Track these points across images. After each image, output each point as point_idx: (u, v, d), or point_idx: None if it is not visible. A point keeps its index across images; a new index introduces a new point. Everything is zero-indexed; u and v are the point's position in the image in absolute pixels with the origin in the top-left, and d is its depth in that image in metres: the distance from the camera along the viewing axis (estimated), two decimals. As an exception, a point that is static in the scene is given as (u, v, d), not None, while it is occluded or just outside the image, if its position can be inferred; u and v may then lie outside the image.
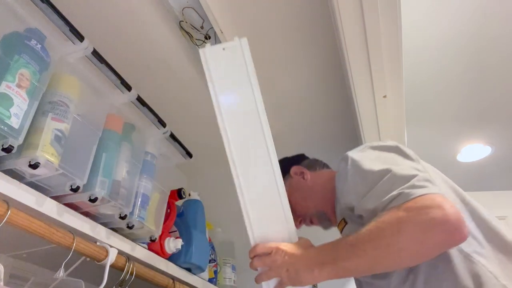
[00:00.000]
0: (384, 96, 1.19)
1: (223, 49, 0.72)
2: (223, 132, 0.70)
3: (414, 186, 0.68)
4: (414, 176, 0.69)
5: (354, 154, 0.83)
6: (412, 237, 0.64)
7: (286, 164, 1.05)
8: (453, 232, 0.63)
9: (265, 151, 0.71)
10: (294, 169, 1.05)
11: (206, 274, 1.26)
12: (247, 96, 0.69)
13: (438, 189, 0.68)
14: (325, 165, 1.10)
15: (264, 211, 0.74)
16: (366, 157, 0.80)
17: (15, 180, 0.62)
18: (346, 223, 0.87)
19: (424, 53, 1.73)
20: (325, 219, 1.01)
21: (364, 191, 0.74)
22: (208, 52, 0.69)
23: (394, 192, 0.68)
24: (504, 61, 1.79)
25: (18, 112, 0.61)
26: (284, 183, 0.96)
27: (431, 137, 2.28)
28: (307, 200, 1.01)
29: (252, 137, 0.71)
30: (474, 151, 2.42)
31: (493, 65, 1.80)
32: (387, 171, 0.72)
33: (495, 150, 2.40)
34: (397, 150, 0.82)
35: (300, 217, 1.02)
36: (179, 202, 1.21)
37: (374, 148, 0.85)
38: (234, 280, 1.48)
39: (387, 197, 0.69)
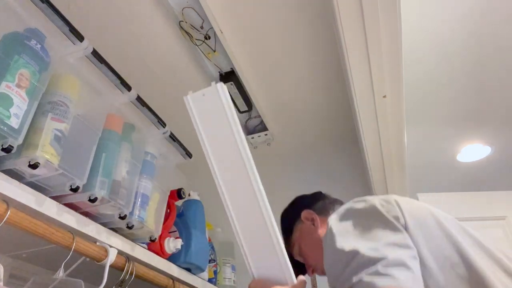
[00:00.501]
0: (384, 96, 1.19)
1: (203, 95, 0.76)
2: (213, 175, 0.74)
3: (377, 273, 0.58)
4: (381, 259, 0.59)
5: (334, 223, 0.74)
6: None
7: (299, 207, 1.02)
8: None
9: (251, 192, 0.73)
10: (304, 214, 1.00)
11: (205, 274, 1.26)
12: (229, 137, 0.73)
13: (407, 276, 0.58)
14: (325, 198, 1.04)
15: (257, 247, 0.73)
16: (342, 231, 0.71)
17: (14, 180, 0.62)
18: None
19: (424, 53, 1.73)
20: None
21: (336, 273, 0.66)
22: (190, 99, 0.75)
23: (354, 279, 0.59)
24: (504, 61, 1.79)
25: (18, 112, 0.61)
26: (295, 228, 0.97)
27: (431, 137, 2.28)
28: (317, 249, 0.91)
29: (239, 181, 0.74)
30: (473, 151, 2.42)
31: (493, 65, 1.81)
32: (355, 253, 0.63)
33: (494, 150, 2.41)
34: (378, 217, 0.69)
35: (311, 266, 0.98)
36: (179, 202, 1.21)
37: (355, 213, 0.74)
38: (234, 280, 1.48)
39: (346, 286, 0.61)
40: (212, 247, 1.41)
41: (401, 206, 0.69)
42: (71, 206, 0.74)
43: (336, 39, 1.05)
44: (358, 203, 0.75)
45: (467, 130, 2.24)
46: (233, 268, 1.51)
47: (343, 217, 0.74)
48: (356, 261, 0.62)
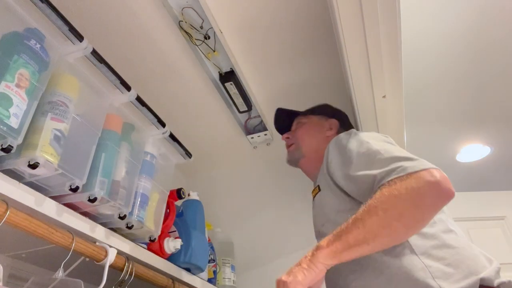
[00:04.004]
0: (384, 96, 1.19)
1: None
2: None
3: (411, 159, 0.76)
4: (413, 157, 0.77)
5: (357, 132, 0.94)
6: (409, 202, 0.70)
7: (336, 113, 1.21)
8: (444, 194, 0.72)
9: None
10: (333, 122, 1.18)
11: (205, 274, 1.26)
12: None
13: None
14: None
15: None
16: (368, 136, 0.90)
17: (14, 180, 0.62)
18: (319, 190, 0.97)
19: (423, 53, 1.73)
20: (296, 160, 1.16)
21: (365, 162, 0.82)
22: None
23: (393, 165, 0.75)
24: (504, 61, 1.79)
25: (18, 112, 0.61)
26: (318, 117, 1.20)
27: (431, 137, 2.28)
28: (312, 137, 1.15)
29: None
30: (473, 151, 2.42)
31: (493, 65, 1.81)
32: (386, 150, 0.81)
33: (494, 150, 2.41)
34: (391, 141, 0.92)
35: (293, 143, 1.18)
36: (179, 202, 1.21)
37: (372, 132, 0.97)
38: (233, 280, 1.48)
39: (388, 168, 0.75)
40: (212, 247, 1.41)
41: None
42: (71, 206, 0.74)
43: (336, 40, 1.05)
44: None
45: (467, 130, 2.25)
46: (233, 268, 1.51)
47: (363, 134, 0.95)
48: (386, 153, 0.80)
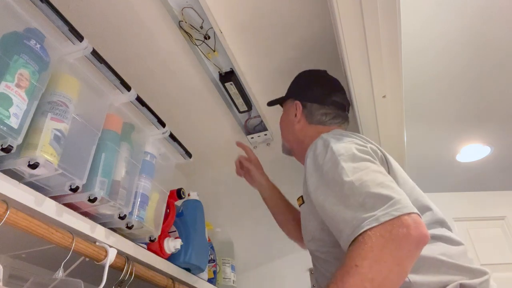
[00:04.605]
0: (384, 96, 1.19)
1: None
2: None
3: (384, 199, 0.69)
4: (390, 198, 0.69)
5: (334, 145, 0.83)
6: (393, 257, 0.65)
7: (297, 90, 1.13)
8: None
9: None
10: (296, 103, 1.09)
11: (205, 274, 1.26)
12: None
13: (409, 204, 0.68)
14: (331, 119, 1.07)
15: None
16: (344, 157, 0.80)
17: (14, 180, 0.62)
18: (303, 201, 0.92)
19: (423, 53, 1.73)
20: (288, 151, 1.15)
21: (335, 194, 0.75)
22: None
23: (364, 214, 0.68)
24: (503, 61, 1.79)
25: (17, 112, 0.61)
26: (287, 100, 1.15)
27: (431, 137, 2.28)
28: (285, 131, 1.13)
29: None
30: (473, 151, 2.42)
31: (492, 65, 1.81)
32: (360, 181, 0.73)
33: (494, 150, 2.41)
34: (371, 154, 0.83)
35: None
36: (179, 202, 1.21)
37: (352, 144, 0.84)
38: (233, 280, 1.48)
39: (359, 215, 0.68)
40: (212, 247, 1.41)
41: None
42: (71, 206, 0.74)
43: (336, 40, 1.05)
44: (356, 138, 0.89)
45: (467, 130, 2.24)
46: (233, 268, 1.51)
47: (343, 141, 0.86)
48: (360, 190, 0.73)
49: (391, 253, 0.63)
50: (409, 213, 0.65)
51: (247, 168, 1.28)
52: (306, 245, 0.94)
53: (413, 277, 0.71)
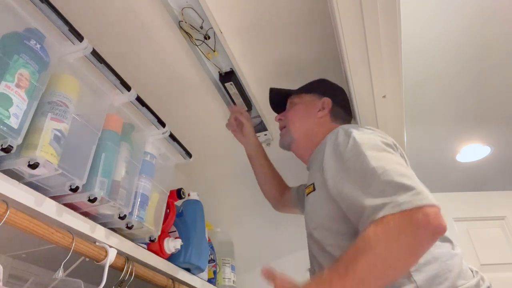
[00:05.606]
0: (384, 96, 1.19)
1: None
2: None
3: (406, 189, 0.70)
4: (412, 188, 0.70)
5: (357, 135, 0.85)
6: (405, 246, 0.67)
7: (326, 90, 1.15)
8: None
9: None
10: (325, 100, 1.11)
11: (205, 274, 1.26)
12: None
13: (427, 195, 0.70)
14: (346, 120, 1.15)
15: None
16: (367, 145, 0.82)
17: (14, 180, 0.62)
18: (314, 189, 0.93)
19: (423, 53, 1.73)
20: (288, 144, 1.13)
21: (356, 181, 0.77)
22: None
23: (386, 199, 0.70)
24: (503, 61, 1.79)
25: (17, 112, 0.61)
26: (308, 94, 1.15)
27: (431, 138, 2.28)
28: (299, 120, 1.11)
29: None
30: (473, 151, 2.42)
31: (492, 65, 1.81)
32: (383, 170, 0.75)
33: (494, 150, 2.41)
34: (392, 147, 0.86)
35: (283, 124, 1.16)
36: (179, 202, 1.21)
37: (375, 135, 0.88)
38: (233, 281, 1.48)
39: (381, 200, 0.70)
40: (212, 247, 1.41)
41: None
42: (71, 206, 0.74)
43: (336, 40, 1.05)
44: (378, 134, 0.91)
45: (467, 130, 2.24)
46: (233, 268, 1.51)
47: (366, 133, 0.89)
48: (384, 177, 0.74)
49: (407, 238, 0.66)
50: (431, 205, 0.67)
51: (240, 121, 1.29)
52: (310, 235, 0.94)
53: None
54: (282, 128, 1.18)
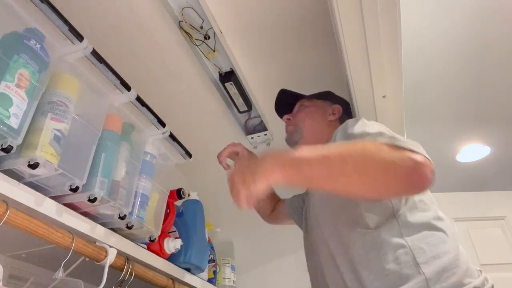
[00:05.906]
0: (384, 96, 1.19)
1: None
2: None
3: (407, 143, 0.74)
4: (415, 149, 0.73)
5: (366, 120, 0.92)
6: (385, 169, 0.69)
7: (337, 100, 1.20)
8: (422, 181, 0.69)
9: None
10: (336, 107, 1.16)
11: (205, 274, 1.26)
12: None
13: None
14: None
15: None
16: (375, 123, 0.90)
17: (14, 180, 0.62)
18: None
19: (423, 53, 1.73)
20: (296, 140, 1.13)
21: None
22: None
23: (390, 139, 0.74)
24: (503, 61, 1.79)
25: (17, 112, 0.61)
26: (320, 100, 1.20)
27: (431, 138, 2.28)
28: (312, 120, 1.14)
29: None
30: (473, 151, 2.42)
31: (492, 65, 1.81)
32: (389, 132, 0.82)
33: (494, 150, 2.41)
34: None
35: (292, 124, 1.17)
36: (179, 202, 1.21)
37: (382, 127, 0.93)
38: (233, 281, 1.48)
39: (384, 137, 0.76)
40: (212, 247, 1.41)
41: None
42: (71, 206, 0.74)
43: (336, 40, 1.05)
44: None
45: (467, 130, 2.24)
46: (233, 268, 1.51)
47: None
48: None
49: (393, 167, 0.68)
50: (430, 161, 0.69)
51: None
52: (318, 223, 0.93)
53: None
54: (289, 127, 1.19)
